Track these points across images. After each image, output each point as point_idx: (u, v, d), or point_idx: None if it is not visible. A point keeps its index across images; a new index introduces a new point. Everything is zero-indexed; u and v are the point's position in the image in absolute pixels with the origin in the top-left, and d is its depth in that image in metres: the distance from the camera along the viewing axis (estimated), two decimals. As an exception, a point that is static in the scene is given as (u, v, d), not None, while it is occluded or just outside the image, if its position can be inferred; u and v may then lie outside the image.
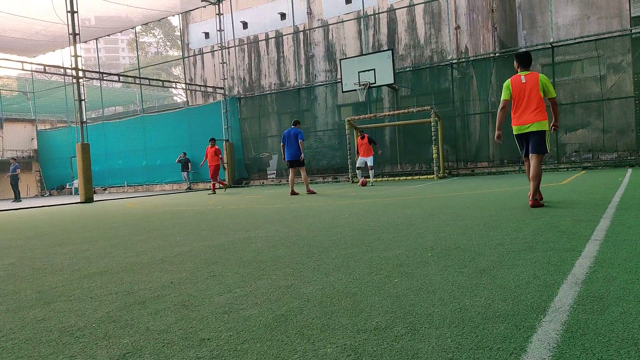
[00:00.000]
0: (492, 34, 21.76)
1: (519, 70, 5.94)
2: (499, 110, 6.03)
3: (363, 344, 1.75)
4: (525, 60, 5.91)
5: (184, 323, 2.12)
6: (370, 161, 14.54)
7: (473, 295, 2.26)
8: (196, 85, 24.54)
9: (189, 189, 21.61)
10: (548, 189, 8.16)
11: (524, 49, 18.86)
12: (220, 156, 15.86)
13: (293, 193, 11.74)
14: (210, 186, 16.34)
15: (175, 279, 3.03)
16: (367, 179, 14.91)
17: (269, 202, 9.76)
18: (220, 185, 16.41)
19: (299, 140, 11.53)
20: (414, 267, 2.92)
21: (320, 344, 1.78)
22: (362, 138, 14.61)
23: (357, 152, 14.93)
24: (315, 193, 11.77)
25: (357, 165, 15.19)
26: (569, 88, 17.40)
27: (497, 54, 18.53)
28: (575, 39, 16.70)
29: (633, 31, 16.13)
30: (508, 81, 5.91)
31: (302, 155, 11.66)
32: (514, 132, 5.96)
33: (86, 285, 3.02)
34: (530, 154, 5.83)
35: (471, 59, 18.07)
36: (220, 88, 23.35)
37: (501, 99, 5.98)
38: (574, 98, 16.95)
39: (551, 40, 16.61)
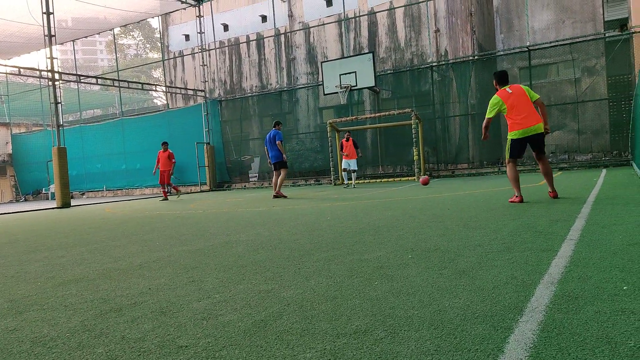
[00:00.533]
0: (471, 37, 22.07)
1: (498, 87, 6.42)
2: (483, 126, 6.54)
3: (342, 348, 1.74)
4: (504, 78, 6.45)
5: (161, 330, 2.09)
6: (354, 164, 14.64)
7: (452, 296, 2.27)
8: (176, 87, 24.32)
9: (170, 193, 21.10)
10: (526, 190, 8.28)
11: (502, 52, 19.17)
12: (173, 161, 14.96)
13: (278, 195, 11.44)
14: (161, 192, 15.53)
15: (154, 285, 2.98)
16: (350, 181, 14.98)
17: (250, 206, 9.71)
18: (174, 190, 15.61)
19: (277, 142, 11.43)
20: (394, 269, 2.93)
21: (300, 349, 1.77)
22: (347, 140, 14.67)
23: (342, 153, 14.87)
24: (285, 197, 11.36)
25: (343, 167, 15.09)
26: (545, 91, 17.72)
27: (476, 57, 18.79)
28: (550, 42, 17.02)
29: (607, 35, 16.52)
30: (497, 98, 6.29)
31: (284, 156, 11.54)
32: (519, 136, 6.21)
33: (60, 293, 2.96)
34: (539, 155, 6.30)
35: (451, 61, 18.28)
36: (201, 90, 23.19)
37: (486, 116, 6.41)
38: (550, 100, 17.26)
39: (528, 43, 16.90)
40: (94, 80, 22.06)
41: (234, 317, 2.21)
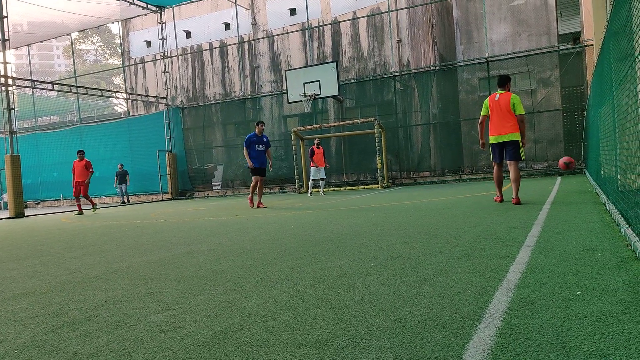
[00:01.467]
0: (432, 48, 22.58)
1: (499, 89, 7.07)
2: (478, 124, 7.36)
3: (303, 359, 1.72)
4: (500, 82, 7.07)
5: (117, 344, 2.01)
6: (323, 172, 14.75)
7: (413, 304, 2.29)
8: (138, 94, 23.81)
9: (124, 203, 20.07)
10: (486, 197, 8.50)
11: (461, 63, 19.69)
12: (91, 170, 13.74)
13: (259, 205, 10.55)
14: (76, 205, 14.03)
15: (110, 298, 2.88)
16: (316, 189, 14.99)
17: (213, 214, 9.57)
18: (90, 203, 14.36)
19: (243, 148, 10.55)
20: (356, 278, 2.93)
21: (260, 360, 1.74)
22: (318, 147, 14.69)
23: (312, 161, 14.66)
24: (252, 207, 10.61)
25: (312, 177, 14.85)
26: (504, 101, 18.25)
27: (437, 67, 19.22)
28: (508, 54, 17.61)
29: (560, 48, 17.22)
30: (486, 100, 7.12)
31: (249, 163, 10.50)
32: (491, 142, 7.07)
33: (10, 307, 2.82)
34: (508, 162, 7.00)
35: (413, 71, 18.63)
36: (163, 98, 22.80)
37: (481, 115, 7.23)
38: (509, 110, 17.77)
39: (486, 55, 17.43)
40: (50, 86, 21.35)
41: (193, 328, 2.15)
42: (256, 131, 10.54)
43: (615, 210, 4.49)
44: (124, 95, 24.30)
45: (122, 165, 20.59)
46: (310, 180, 15.14)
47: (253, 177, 10.68)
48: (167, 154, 21.45)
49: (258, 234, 5.63)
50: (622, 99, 4.11)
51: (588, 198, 7.01)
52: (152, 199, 21.80)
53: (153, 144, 21.48)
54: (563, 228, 4.27)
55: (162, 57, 22.54)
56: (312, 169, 14.74)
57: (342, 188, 17.75)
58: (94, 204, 14.60)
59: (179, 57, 23.65)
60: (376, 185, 16.50)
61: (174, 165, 21.66)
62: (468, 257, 3.29)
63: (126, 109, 26.45)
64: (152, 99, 23.54)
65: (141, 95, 23.64)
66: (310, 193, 15.19)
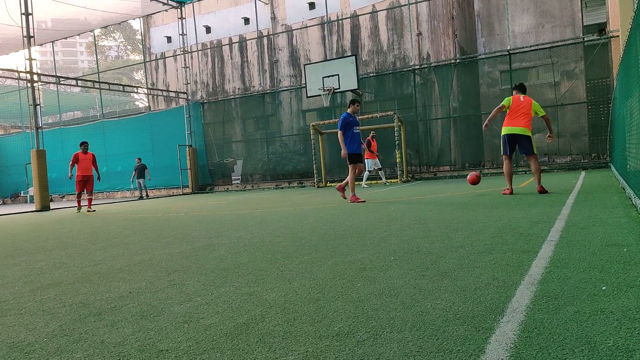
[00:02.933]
0: (452, 41, 22.30)
1: (515, 93, 7.91)
2: (495, 109, 7.93)
3: (325, 351, 1.73)
4: (522, 87, 7.96)
5: (142, 334, 2.06)
6: (378, 162, 15.04)
7: (434, 298, 2.28)
8: (158, 90, 24.09)
9: (142, 198, 19.62)
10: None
11: (483, 56, 19.40)
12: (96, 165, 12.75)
13: (341, 192, 9.19)
14: (79, 201, 13.04)
15: (134, 289, 2.94)
16: (379, 181, 15.28)
17: (233, 208, 9.65)
18: (88, 203, 12.95)
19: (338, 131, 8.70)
20: (377, 271, 2.93)
21: (282, 351, 1.76)
22: (373, 139, 14.86)
23: (369, 152, 14.61)
24: (345, 198, 9.14)
25: (369, 168, 14.81)
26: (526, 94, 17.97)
27: (457, 60, 18.99)
28: (530, 46, 17.27)
29: (585, 39, 16.83)
30: (510, 97, 7.85)
31: (343, 150, 8.61)
32: (505, 132, 7.74)
33: (39, 297, 2.90)
34: (527, 156, 7.90)
35: (433, 65, 18.44)
36: (183, 93, 23.00)
37: (502, 103, 7.84)
38: (531, 103, 17.49)
39: (508, 47, 17.14)
40: (74, 82, 21.72)
41: (215, 320, 2.19)
42: (349, 111, 8.74)
43: (642, 204, 4.39)
44: (145, 90, 24.61)
45: (140, 159, 20.53)
46: (366, 172, 15.00)
47: (351, 166, 8.69)
48: (187, 149, 21.66)
49: (277, 227, 5.67)
50: (649, 91, 4.00)
51: (613, 193, 6.87)
52: (173, 192, 22.07)
53: (174, 138, 21.71)
54: (588, 223, 4.20)
55: (182, 53, 22.73)
56: (368, 160, 14.69)
57: (361, 182, 17.69)
58: (91, 203, 13.06)
59: (198, 52, 23.83)
60: (395, 180, 16.41)
61: (194, 160, 21.87)
62: (489, 252, 3.26)
63: (147, 104, 26.79)
64: (172, 94, 23.78)
65: (162, 90, 23.90)
66: (369, 185, 15.41)
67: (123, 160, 22.94)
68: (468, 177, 9.33)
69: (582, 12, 19.84)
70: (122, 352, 1.86)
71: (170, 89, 24.23)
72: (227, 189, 21.68)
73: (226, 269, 3.36)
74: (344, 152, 8.57)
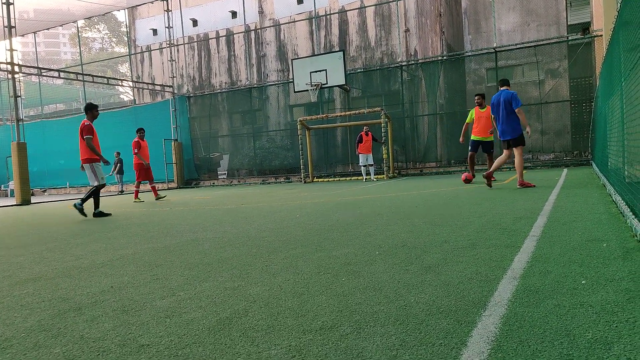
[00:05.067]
0: (439, 38, 22.39)
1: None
2: (464, 125, 10.75)
3: (308, 345, 1.73)
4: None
5: (123, 329, 2.03)
6: (370, 159, 15.05)
7: (418, 292, 2.29)
8: (144, 83, 23.80)
9: (122, 192, 19.45)
10: (493, 188, 8.46)
11: (470, 53, 19.52)
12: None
13: (523, 184, 7.99)
14: (137, 191, 12.42)
15: (116, 283, 2.90)
16: (368, 176, 15.34)
17: (218, 203, 9.60)
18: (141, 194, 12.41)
19: (516, 108, 7.87)
20: (361, 266, 2.94)
21: (265, 345, 1.75)
22: (367, 134, 14.88)
23: (358, 148, 14.93)
24: (533, 186, 7.99)
25: (361, 163, 15.25)
26: (511, 91, 18.13)
27: (444, 57, 19.06)
28: (516, 44, 17.41)
29: (569, 38, 17.02)
30: (472, 110, 10.13)
31: (528, 129, 8.05)
32: (473, 138, 10.29)
33: (17, 292, 2.85)
34: (487, 154, 10.42)
35: (420, 61, 18.49)
36: (169, 86, 22.77)
37: (467, 120, 10.48)
38: (516, 101, 17.65)
39: (494, 45, 17.26)
40: (56, 74, 21.37)
41: (198, 314, 2.17)
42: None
43: (622, 201, 4.46)
44: (130, 83, 24.30)
45: (119, 153, 20.07)
46: (362, 167, 15.40)
47: (517, 149, 8.08)
48: (173, 143, 21.48)
49: (263, 222, 5.65)
50: (631, 90, 4.06)
51: (594, 189, 6.97)
52: (158, 187, 21.86)
53: (159, 132, 21.49)
54: (569, 219, 4.25)
55: (168, 46, 22.49)
56: (360, 155, 15.01)
57: (347, 178, 17.73)
58: (156, 191, 12.61)
59: (185, 46, 23.59)
60: (382, 176, 16.46)
61: (179, 154, 21.69)
62: (473, 247, 3.29)
63: (132, 98, 26.47)
64: (158, 88, 23.52)
65: (147, 83, 23.62)
66: (365, 179, 15.56)
67: (108, 154, 22.48)
68: (462, 175, 10.62)
69: (567, 12, 20.06)
70: (102, 347, 1.84)
71: (155, 82, 23.96)
72: (213, 184, 21.55)
73: (210, 263, 3.34)
74: (529, 129, 8.05)
